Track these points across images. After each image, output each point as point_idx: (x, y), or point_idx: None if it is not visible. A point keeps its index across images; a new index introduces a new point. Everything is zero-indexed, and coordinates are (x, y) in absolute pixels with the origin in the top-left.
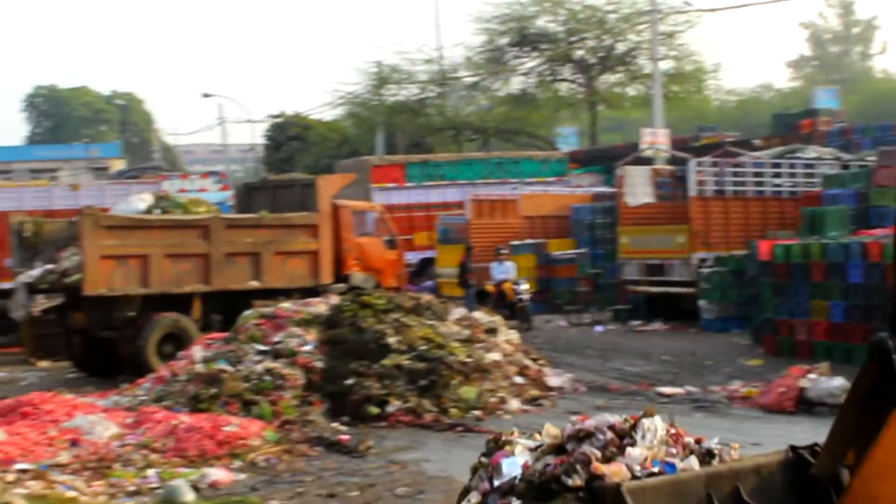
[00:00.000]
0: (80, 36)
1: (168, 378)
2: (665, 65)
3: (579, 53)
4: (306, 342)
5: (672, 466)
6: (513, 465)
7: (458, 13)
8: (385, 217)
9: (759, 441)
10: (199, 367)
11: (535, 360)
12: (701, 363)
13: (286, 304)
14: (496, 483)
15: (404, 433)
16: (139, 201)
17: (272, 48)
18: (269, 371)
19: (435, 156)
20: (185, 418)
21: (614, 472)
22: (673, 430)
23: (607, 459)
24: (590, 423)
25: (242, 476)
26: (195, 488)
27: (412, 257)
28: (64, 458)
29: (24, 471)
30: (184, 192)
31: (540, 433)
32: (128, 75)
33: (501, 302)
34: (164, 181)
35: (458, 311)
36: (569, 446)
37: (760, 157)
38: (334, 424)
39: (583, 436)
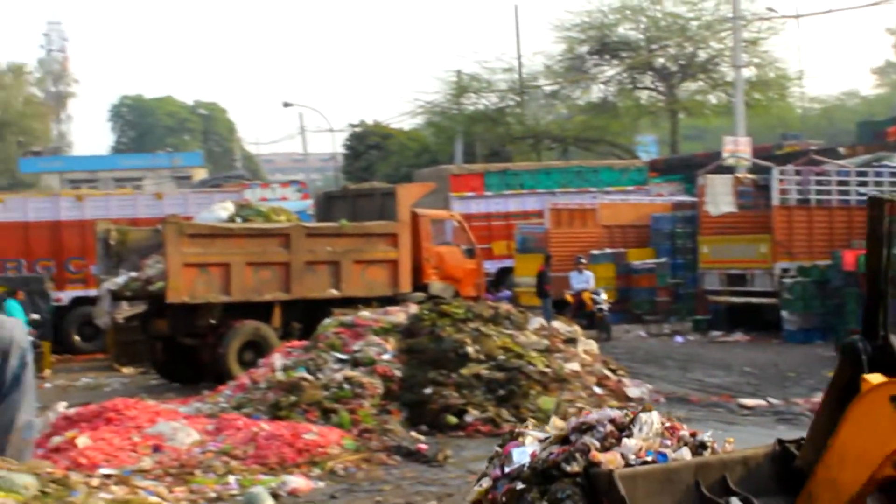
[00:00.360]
0: (166, 47)
1: (248, 385)
2: (747, 72)
3: (660, 61)
4: (385, 351)
5: (664, 456)
6: (522, 454)
7: (537, 22)
8: (464, 226)
9: None
10: (280, 375)
11: (613, 370)
12: (783, 375)
13: (365, 313)
14: (507, 470)
15: (482, 443)
16: (221, 210)
17: (353, 58)
18: (348, 379)
19: (514, 165)
20: (266, 426)
21: (610, 460)
22: (668, 424)
23: (606, 449)
24: (592, 417)
25: (321, 484)
26: (275, 495)
27: (490, 266)
28: (147, 463)
29: (108, 476)
30: (265, 200)
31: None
32: (211, 85)
33: (580, 312)
34: (246, 190)
35: (537, 321)
36: (572, 437)
37: (845, 166)
38: (413, 433)
39: (585, 428)
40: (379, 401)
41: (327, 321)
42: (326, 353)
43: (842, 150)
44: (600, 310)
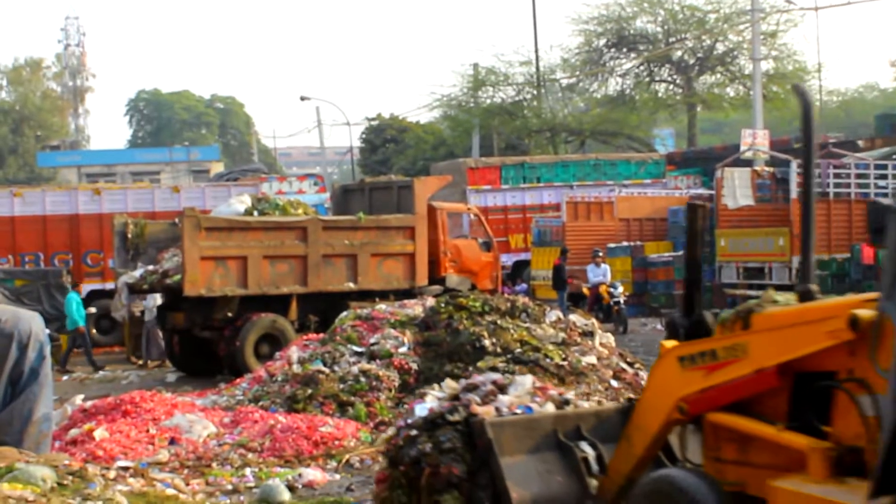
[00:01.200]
0: (183, 41)
1: (265, 378)
2: (765, 65)
3: (678, 54)
4: (402, 344)
5: (530, 409)
6: (422, 409)
7: (555, 15)
8: (481, 219)
9: None
10: (296, 368)
11: (630, 363)
12: None
13: (382, 306)
14: (408, 421)
15: None
16: (239, 203)
17: (370, 51)
18: (364, 372)
19: (531, 158)
20: (282, 418)
21: (485, 411)
22: (540, 385)
23: (485, 404)
24: (479, 379)
25: (337, 476)
26: (291, 488)
27: (507, 260)
28: (163, 456)
29: (125, 468)
30: (282, 194)
31: None
32: (228, 79)
33: (597, 305)
34: (263, 183)
35: (554, 314)
36: (461, 395)
37: (864, 159)
38: None
39: (471, 388)
40: (395, 394)
41: (344, 314)
42: (343, 346)
43: (860, 142)
44: (617, 303)
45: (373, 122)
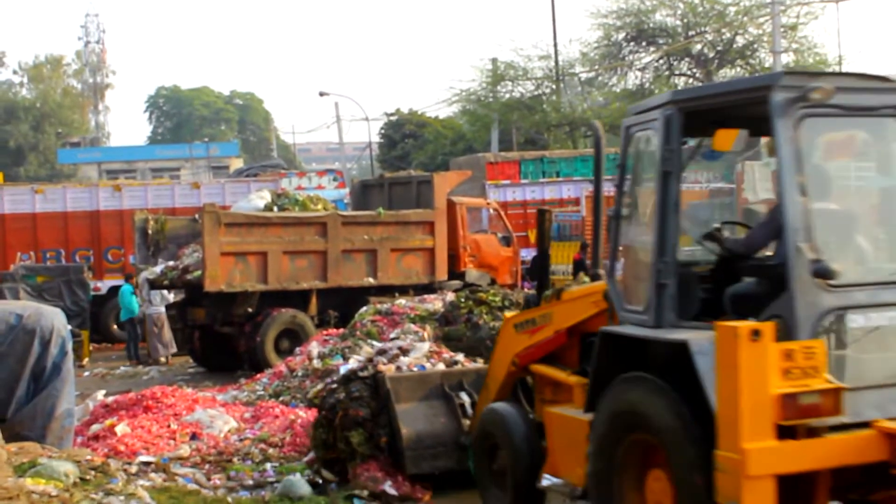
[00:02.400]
0: (202, 38)
1: (285, 373)
2: (786, 58)
3: (697, 47)
4: (422, 339)
5: (423, 367)
6: (344, 368)
7: (574, 9)
8: (500, 214)
9: None
10: (316, 363)
11: None
12: None
13: (402, 301)
14: (333, 378)
15: None
16: (258, 199)
17: (388, 46)
18: None
19: (550, 152)
20: (302, 413)
21: (388, 369)
22: (436, 349)
23: (390, 363)
24: (387, 345)
25: None
26: (312, 483)
27: (527, 254)
28: (185, 451)
29: (146, 463)
30: (301, 189)
31: None
32: (247, 75)
33: None
34: (283, 179)
35: None
36: (374, 357)
37: None
38: None
39: (381, 352)
40: None
41: (364, 309)
42: (363, 341)
43: None
44: None
45: (392, 118)
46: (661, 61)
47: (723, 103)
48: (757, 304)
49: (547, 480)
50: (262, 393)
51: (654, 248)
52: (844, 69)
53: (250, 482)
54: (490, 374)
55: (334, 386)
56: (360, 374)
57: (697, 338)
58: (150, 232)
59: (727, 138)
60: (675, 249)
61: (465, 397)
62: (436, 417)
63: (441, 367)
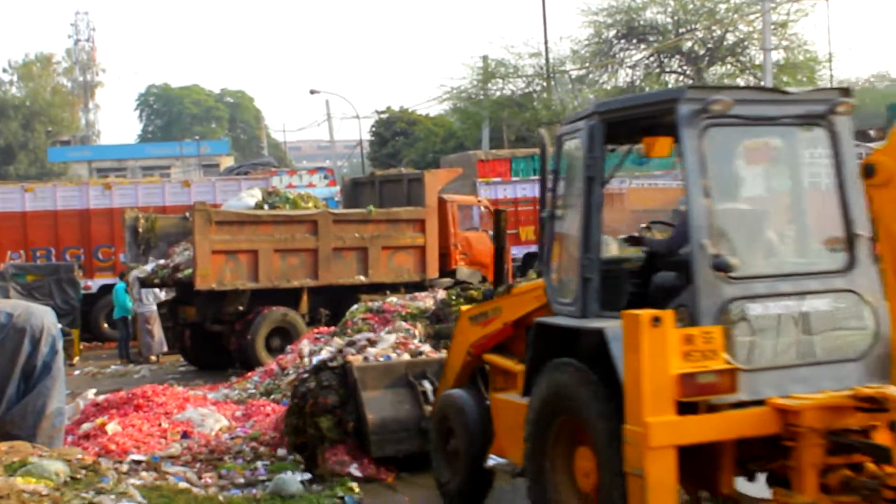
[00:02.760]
0: (192, 36)
1: (276, 372)
2: (776, 55)
3: (688, 45)
4: (413, 336)
5: (389, 357)
6: (316, 359)
7: (564, 6)
8: (491, 211)
9: None
10: (307, 361)
11: None
12: None
13: (393, 299)
14: (306, 368)
15: None
16: (249, 197)
17: (379, 44)
18: None
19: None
20: None
21: (356, 358)
22: (402, 341)
23: (358, 354)
24: (357, 337)
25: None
26: (303, 481)
27: (518, 252)
28: (176, 449)
29: (137, 462)
30: (292, 187)
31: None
32: (237, 73)
33: None
34: (273, 177)
35: None
36: (343, 349)
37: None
38: None
39: (351, 343)
40: None
41: (355, 307)
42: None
43: (872, 132)
44: None
45: (382, 116)
46: (651, 59)
47: (638, 115)
48: (674, 296)
49: (493, 460)
50: (253, 391)
51: (579, 245)
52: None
53: (241, 480)
54: (448, 362)
55: (305, 375)
56: (330, 364)
57: (613, 326)
58: (140, 230)
59: (665, 145)
60: (599, 247)
61: (427, 385)
62: (400, 404)
63: (405, 356)
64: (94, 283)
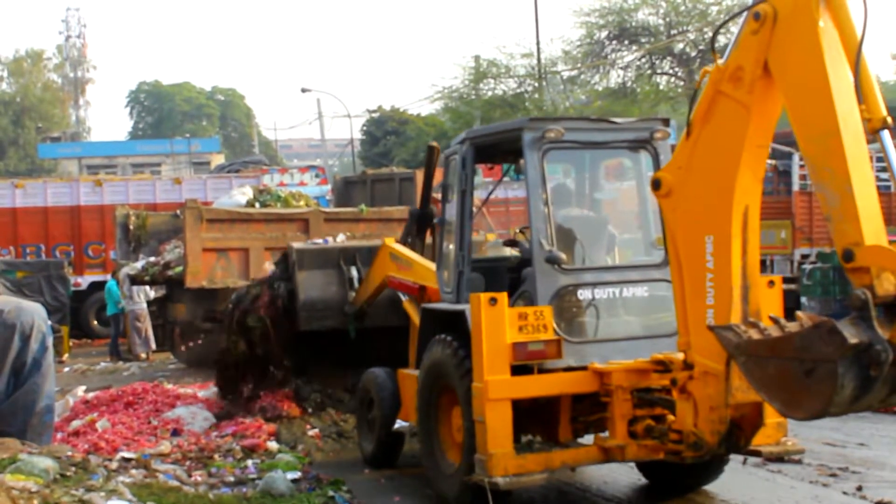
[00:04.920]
0: (184, 33)
1: None
2: None
3: (680, 46)
4: None
5: (327, 240)
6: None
7: (557, 7)
8: (482, 211)
9: (864, 441)
10: None
11: None
12: None
13: None
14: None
15: None
16: (240, 195)
17: (371, 43)
18: None
19: None
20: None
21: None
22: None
23: None
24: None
25: None
26: (293, 479)
27: None
28: (166, 447)
29: (127, 459)
30: (283, 186)
31: None
32: (229, 71)
33: None
34: (265, 175)
35: None
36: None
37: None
38: None
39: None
40: None
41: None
42: None
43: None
44: None
45: (374, 114)
46: (643, 60)
47: (497, 140)
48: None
49: (399, 424)
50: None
51: (455, 245)
52: None
53: (231, 479)
54: (369, 276)
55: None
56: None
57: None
58: (131, 227)
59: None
60: (470, 246)
61: (354, 273)
62: (328, 286)
63: (341, 239)
64: (84, 280)
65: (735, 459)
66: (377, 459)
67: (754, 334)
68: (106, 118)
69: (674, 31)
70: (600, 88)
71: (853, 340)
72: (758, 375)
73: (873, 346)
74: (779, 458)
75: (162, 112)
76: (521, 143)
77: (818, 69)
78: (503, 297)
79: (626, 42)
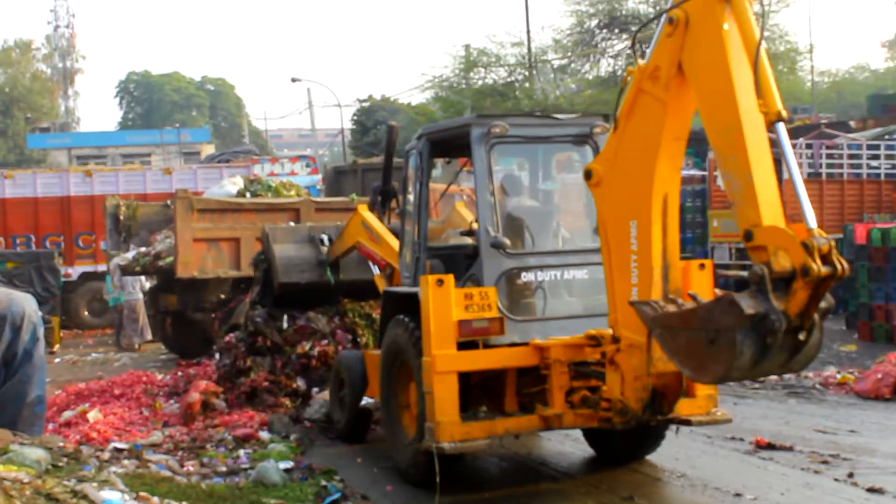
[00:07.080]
0: (173, 23)
1: None
2: None
3: None
4: None
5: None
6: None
7: None
8: (473, 200)
9: (854, 428)
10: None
11: None
12: None
13: None
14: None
15: None
16: (231, 185)
17: (361, 33)
18: None
19: None
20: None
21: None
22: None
23: None
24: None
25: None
26: (285, 469)
27: None
28: (158, 437)
29: (119, 450)
30: (274, 175)
31: None
32: (218, 61)
33: None
34: (255, 165)
35: None
36: None
37: (857, 139)
38: None
39: None
40: None
41: None
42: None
43: (852, 123)
44: None
45: (364, 104)
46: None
47: (449, 136)
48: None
49: (366, 400)
50: None
51: (413, 233)
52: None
53: (224, 469)
54: (342, 236)
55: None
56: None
57: None
58: (121, 218)
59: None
60: (426, 235)
61: (325, 238)
62: (302, 248)
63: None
64: (75, 271)
65: (725, 447)
66: (348, 432)
67: (670, 308)
68: (95, 108)
69: None
70: (591, 77)
71: (750, 311)
72: (671, 345)
73: (769, 316)
74: (708, 426)
75: (151, 102)
76: (469, 138)
77: (723, 68)
78: (449, 278)
79: (617, 30)
